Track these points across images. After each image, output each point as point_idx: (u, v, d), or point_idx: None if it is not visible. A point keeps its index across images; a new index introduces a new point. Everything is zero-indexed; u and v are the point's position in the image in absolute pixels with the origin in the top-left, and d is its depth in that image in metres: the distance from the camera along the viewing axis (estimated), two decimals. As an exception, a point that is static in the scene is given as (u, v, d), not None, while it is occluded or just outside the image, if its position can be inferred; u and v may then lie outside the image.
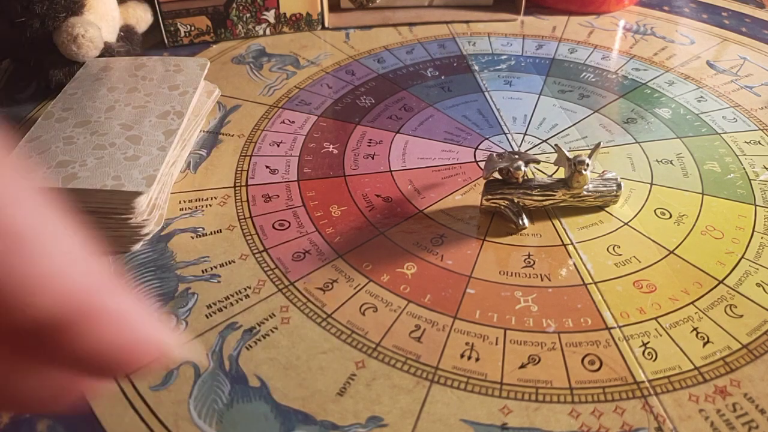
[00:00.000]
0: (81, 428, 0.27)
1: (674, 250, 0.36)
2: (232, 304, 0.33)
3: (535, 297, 0.33)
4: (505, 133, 0.46)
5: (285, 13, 0.57)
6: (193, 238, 0.36)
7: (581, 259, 0.36)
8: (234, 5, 0.55)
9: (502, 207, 0.37)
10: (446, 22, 0.60)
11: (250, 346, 0.30)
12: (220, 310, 0.32)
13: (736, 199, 0.40)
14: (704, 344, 0.31)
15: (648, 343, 0.31)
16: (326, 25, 0.59)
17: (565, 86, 0.51)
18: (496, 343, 0.31)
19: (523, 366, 0.30)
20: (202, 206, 0.39)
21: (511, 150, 0.44)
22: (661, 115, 0.48)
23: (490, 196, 0.37)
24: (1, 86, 0.51)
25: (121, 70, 0.44)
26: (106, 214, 0.34)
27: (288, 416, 0.27)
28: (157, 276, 0.34)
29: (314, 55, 0.55)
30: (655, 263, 0.35)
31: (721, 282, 0.34)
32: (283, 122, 0.47)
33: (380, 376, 0.29)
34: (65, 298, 0.14)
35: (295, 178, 0.41)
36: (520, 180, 0.37)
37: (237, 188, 0.40)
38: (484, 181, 0.38)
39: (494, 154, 0.38)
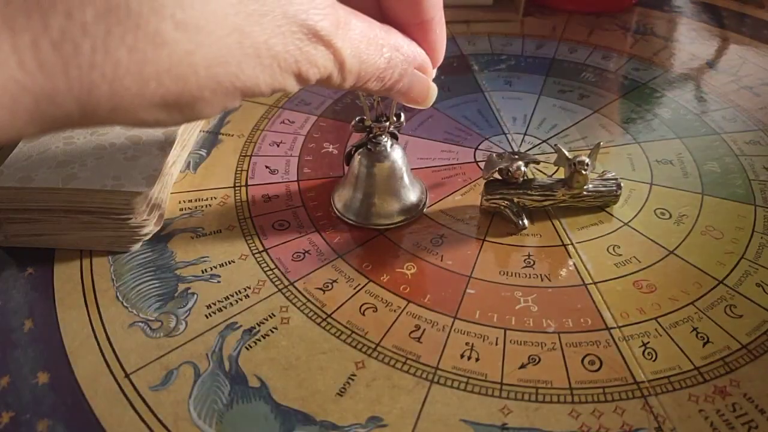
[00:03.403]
0: (81, 428, 0.27)
1: (674, 250, 0.36)
2: (231, 304, 0.33)
3: (535, 297, 0.33)
4: (505, 134, 0.46)
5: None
6: (192, 238, 0.36)
7: (581, 259, 0.36)
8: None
9: (502, 207, 0.37)
10: (446, 22, 0.60)
11: (250, 347, 0.30)
12: (219, 310, 0.32)
13: (736, 199, 0.40)
14: (704, 344, 0.31)
15: (648, 343, 0.31)
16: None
17: (565, 86, 0.51)
18: (496, 344, 0.31)
19: (523, 366, 0.30)
20: (202, 206, 0.39)
21: (511, 150, 0.44)
22: (661, 115, 0.48)
23: (490, 197, 0.37)
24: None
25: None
26: (106, 214, 0.34)
27: (288, 416, 0.27)
28: (156, 276, 0.34)
29: (314, 55, 0.55)
30: (655, 263, 0.35)
31: (721, 282, 0.34)
32: (283, 122, 0.47)
33: (380, 376, 0.29)
34: None
35: (295, 178, 0.41)
36: (520, 180, 0.37)
37: (237, 188, 0.40)
38: (484, 181, 0.38)
39: (494, 155, 0.38)
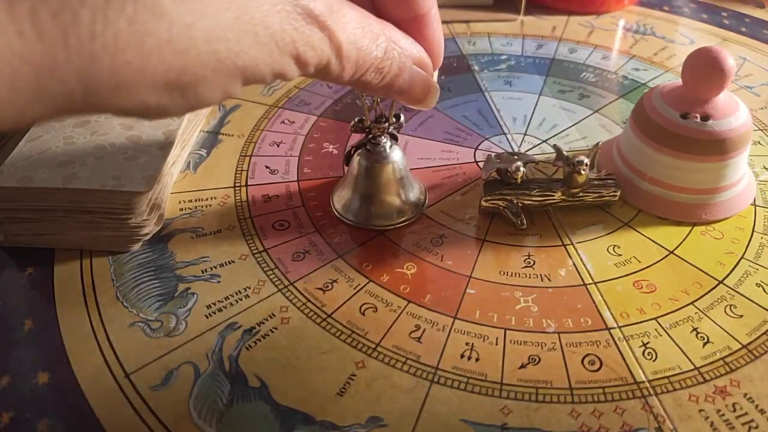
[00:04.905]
0: (81, 428, 0.27)
1: (674, 250, 0.36)
2: (231, 304, 0.33)
3: (535, 297, 0.33)
4: (504, 134, 0.46)
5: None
6: (193, 238, 0.36)
7: (581, 259, 0.36)
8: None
9: (502, 207, 0.37)
10: (446, 22, 0.60)
11: (250, 347, 0.30)
12: (219, 310, 0.32)
13: (736, 199, 0.40)
14: (704, 344, 0.31)
15: (648, 343, 0.31)
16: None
17: (565, 86, 0.51)
18: (496, 344, 0.31)
19: (523, 366, 0.30)
20: (202, 206, 0.39)
21: (510, 150, 0.44)
22: (661, 115, 0.48)
23: (489, 197, 0.37)
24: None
25: (121, 70, 0.44)
26: (106, 214, 0.34)
27: (288, 416, 0.27)
28: (156, 276, 0.34)
29: (314, 55, 0.55)
30: (655, 263, 0.35)
31: (721, 282, 0.34)
32: (283, 122, 0.47)
33: (380, 376, 0.29)
34: None
35: (295, 179, 0.41)
36: (519, 180, 0.37)
37: (237, 188, 0.40)
38: (484, 181, 0.38)
39: (493, 155, 0.38)
